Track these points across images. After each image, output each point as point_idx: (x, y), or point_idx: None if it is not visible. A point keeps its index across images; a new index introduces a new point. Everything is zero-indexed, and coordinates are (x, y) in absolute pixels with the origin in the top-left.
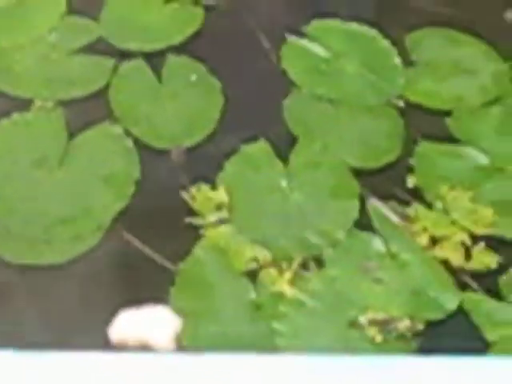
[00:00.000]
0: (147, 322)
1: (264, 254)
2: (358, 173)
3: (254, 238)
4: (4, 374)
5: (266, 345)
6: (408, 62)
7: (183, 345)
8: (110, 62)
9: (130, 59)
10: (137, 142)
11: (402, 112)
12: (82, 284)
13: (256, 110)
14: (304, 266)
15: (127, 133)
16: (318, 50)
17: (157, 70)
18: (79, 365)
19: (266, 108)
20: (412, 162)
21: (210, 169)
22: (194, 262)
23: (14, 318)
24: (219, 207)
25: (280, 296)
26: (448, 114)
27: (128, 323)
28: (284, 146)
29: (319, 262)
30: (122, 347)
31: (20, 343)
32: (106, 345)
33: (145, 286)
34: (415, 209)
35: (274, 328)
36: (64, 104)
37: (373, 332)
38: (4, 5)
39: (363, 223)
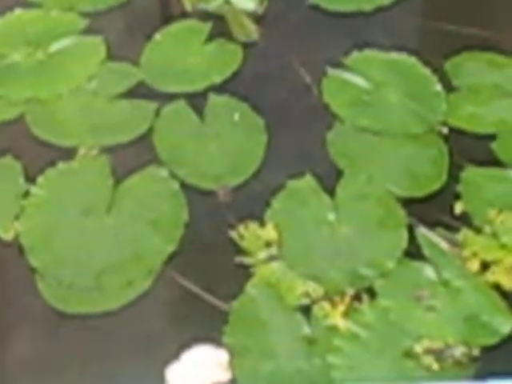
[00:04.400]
0: (204, 363)
1: (316, 289)
2: (405, 202)
3: (305, 273)
4: None
5: (322, 379)
6: (449, 88)
7: (239, 383)
8: (152, 106)
9: (171, 102)
10: (183, 183)
11: (446, 138)
12: (135, 329)
13: (300, 145)
14: (356, 298)
15: (173, 175)
16: (358, 81)
17: (199, 111)
18: None
19: (310, 143)
20: (458, 188)
21: (257, 206)
22: (247, 300)
23: (69, 365)
24: (268, 244)
25: (334, 329)
26: (492, 137)
27: (185, 365)
28: (330, 180)
29: (371, 294)
30: None
31: None
32: None
33: (198, 327)
34: (464, 234)
35: (329, 362)
36: (108, 150)
37: (429, 360)
38: (43, 56)
39: (413, 252)
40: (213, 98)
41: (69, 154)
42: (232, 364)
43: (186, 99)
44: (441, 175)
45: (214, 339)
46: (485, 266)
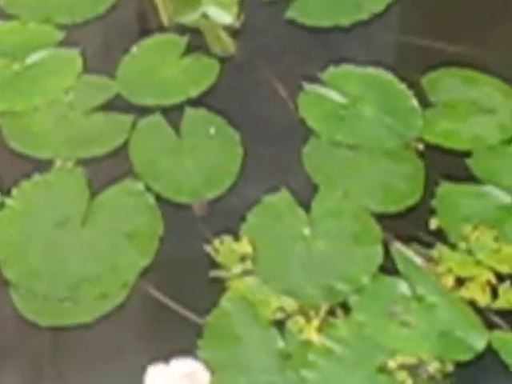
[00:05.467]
0: (177, 378)
1: (290, 303)
2: (380, 217)
3: (280, 288)
4: None
5: None
6: (425, 104)
7: None
8: (128, 119)
9: (148, 115)
10: (158, 197)
11: (422, 154)
12: (108, 342)
13: (276, 160)
14: (331, 312)
15: (148, 189)
16: (334, 96)
17: (175, 125)
18: None
19: (285, 157)
20: (434, 203)
21: (232, 221)
22: (221, 315)
23: (42, 377)
24: (243, 258)
25: (308, 344)
26: (468, 154)
27: (158, 380)
28: (305, 195)
29: (346, 309)
30: None
31: None
32: None
33: (173, 341)
34: (439, 250)
35: (303, 376)
36: (84, 163)
37: (402, 376)
38: (19, 68)
39: (388, 268)
40: (189, 112)
41: (44, 166)
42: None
43: (162, 112)
44: (416, 191)
45: (189, 353)
46: (460, 282)
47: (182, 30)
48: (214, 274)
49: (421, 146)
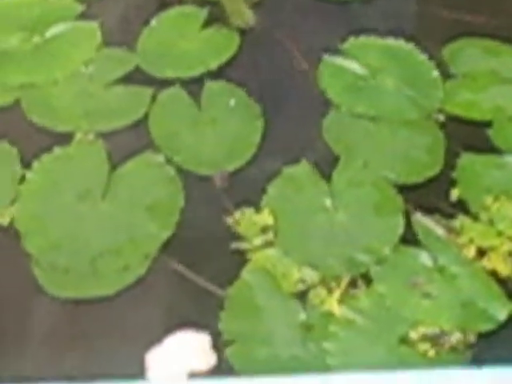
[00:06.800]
0: (185, 350)
1: (312, 275)
2: (401, 188)
3: (301, 259)
4: None
5: (318, 365)
6: (446, 75)
7: (235, 369)
8: (148, 92)
9: (168, 87)
10: (179, 169)
11: (443, 125)
12: (131, 313)
13: (296, 131)
14: (352, 284)
15: (169, 161)
16: (355, 67)
17: (195, 97)
18: None
19: (306, 129)
20: (455, 174)
21: (253, 192)
22: (242, 286)
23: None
24: (264, 230)
25: (330, 315)
26: (488, 124)
27: (165, 352)
28: (326, 166)
29: (367, 280)
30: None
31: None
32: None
33: (194, 312)
34: (460, 221)
35: (324, 348)
36: (104, 136)
37: (424, 347)
38: (39, 41)
39: (409, 238)
40: (209, 84)
41: (65, 139)
42: (221, 349)
43: (182, 85)
44: (437, 162)
45: (209, 325)
46: (481, 253)
47: (201, 2)
48: (235, 245)
49: (441, 117)
